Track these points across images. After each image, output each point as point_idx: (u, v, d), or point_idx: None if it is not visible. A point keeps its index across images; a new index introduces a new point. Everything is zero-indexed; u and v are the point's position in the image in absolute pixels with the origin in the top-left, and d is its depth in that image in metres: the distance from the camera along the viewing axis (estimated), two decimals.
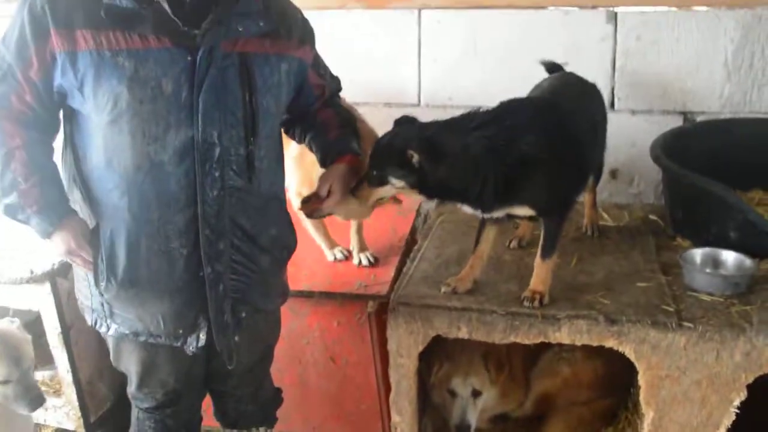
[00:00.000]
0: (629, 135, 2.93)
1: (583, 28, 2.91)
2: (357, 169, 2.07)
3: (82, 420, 2.88)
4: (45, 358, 2.85)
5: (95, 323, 1.99)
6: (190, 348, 1.95)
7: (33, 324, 2.79)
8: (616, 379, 2.75)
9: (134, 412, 2.21)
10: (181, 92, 1.70)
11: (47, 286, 2.63)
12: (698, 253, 2.30)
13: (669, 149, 2.58)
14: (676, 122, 2.94)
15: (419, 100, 3.18)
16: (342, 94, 2.22)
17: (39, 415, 2.91)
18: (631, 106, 2.99)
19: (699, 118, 2.93)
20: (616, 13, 2.89)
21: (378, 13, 3.13)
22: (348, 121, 2.15)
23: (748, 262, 2.21)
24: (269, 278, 2.04)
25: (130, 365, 2.07)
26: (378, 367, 2.60)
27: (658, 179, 2.76)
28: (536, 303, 2.12)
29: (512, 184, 1.99)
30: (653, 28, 2.84)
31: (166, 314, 1.89)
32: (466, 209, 2.07)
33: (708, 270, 2.24)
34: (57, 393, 2.91)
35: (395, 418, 2.34)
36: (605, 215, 2.82)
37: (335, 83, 2.18)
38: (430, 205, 3.05)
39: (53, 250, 1.84)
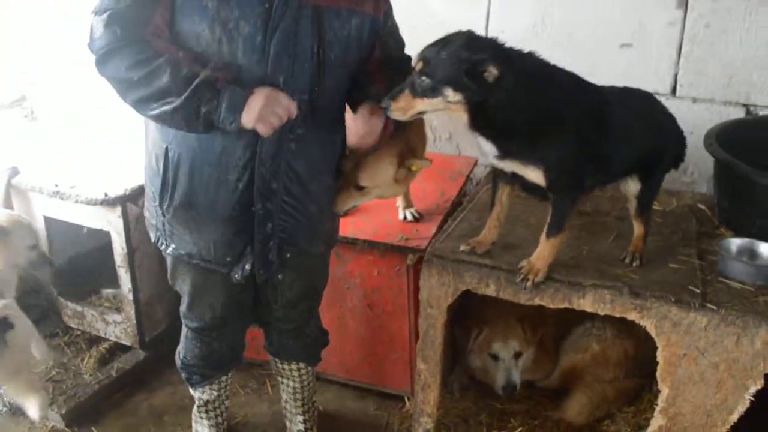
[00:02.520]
0: (688, 122, 2.89)
1: (652, 11, 2.89)
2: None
3: (137, 338, 3.12)
4: (111, 278, 3.12)
5: (157, 241, 2.16)
6: (236, 276, 2.09)
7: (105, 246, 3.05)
8: (645, 361, 2.78)
9: (183, 331, 2.39)
10: (256, 35, 1.80)
11: (118, 210, 2.86)
12: (735, 242, 2.30)
13: (724, 139, 2.56)
14: (738, 114, 2.91)
15: None
16: None
17: (100, 328, 3.19)
18: (693, 94, 2.97)
19: (761, 112, 2.89)
20: None
21: None
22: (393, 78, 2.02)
23: None
24: (316, 224, 2.15)
25: (183, 285, 2.24)
26: (412, 318, 2.72)
27: (712, 170, 2.74)
28: (530, 279, 2.11)
29: (538, 139, 1.91)
30: (724, 16, 2.80)
31: (217, 241, 2.04)
32: (483, 145, 1.95)
33: (743, 259, 2.24)
34: (118, 310, 3.16)
35: (420, 365, 2.45)
36: None
37: (391, 50, 2.11)
38: (482, 172, 3.13)
39: (252, 111, 1.76)
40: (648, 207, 2.29)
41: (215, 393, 2.50)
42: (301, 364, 2.55)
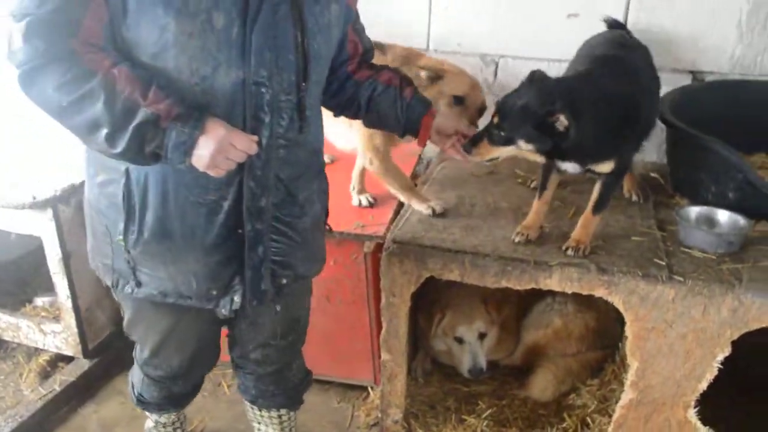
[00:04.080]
0: None
1: None
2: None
3: (80, 346, 2.94)
4: (45, 285, 2.92)
5: (116, 284, 1.82)
6: (223, 311, 1.83)
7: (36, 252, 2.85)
8: (606, 333, 2.81)
9: (139, 374, 2.13)
10: (232, 27, 1.53)
11: (49, 213, 2.67)
12: (694, 211, 2.30)
13: (675, 107, 2.55)
14: (685, 81, 2.90)
15: (428, 45, 3.14)
16: None
17: (38, 339, 2.99)
18: None
19: (708, 79, 2.90)
20: None
21: None
22: (407, 77, 2.02)
23: (742, 221, 2.21)
24: (310, 241, 1.91)
25: (149, 331, 1.96)
26: (372, 307, 2.64)
27: (663, 138, 2.74)
28: (581, 252, 2.13)
29: (607, 146, 2.03)
30: None
31: (199, 273, 1.76)
32: (562, 165, 2.06)
33: (703, 228, 2.24)
34: (56, 319, 2.97)
35: (385, 356, 2.38)
36: None
37: (370, 45, 2.02)
38: (433, 152, 3.05)
39: (201, 157, 1.51)
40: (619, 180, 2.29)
41: (173, 416, 2.34)
42: (282, 411, 2.31)
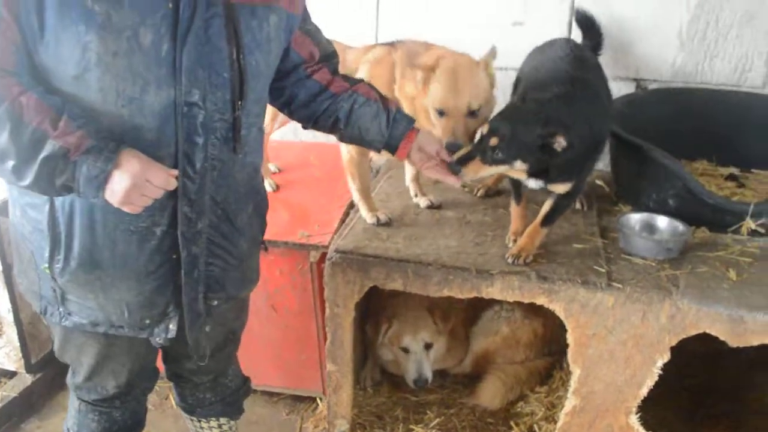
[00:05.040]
0: None
1: None
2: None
3: (23, 361, 2.88)
4: None
5: (44, 311, 1.74)
6: (157, 340, 1.77)
7: None
8: (553, 340, 2.83)
9: (74, 403, 2.00)
10: (161, 45, 1.45)
11: None
12: (634, 218, 2.33)
13: (618, 115, 2.58)
14: (629, 89, 2.95)
15: None
16: None
17: None
18: None
19: (651, 86, 2.94)
20: None
21: None
22: (384, 95, 1.95)
23: (681, 227, 2.24)
24: (245, 262, 1.86)
25: (80, 357, 1.86)
26: (319, 317, 2.63)
27: (608, 146, 2.77)
28: (522, 260, 2.13)
29: (574, 167, 2.07)
30: None
31: (132, 302, 1.68)
32: (528, 182, 2.07)
33: (643, 234, 2.27)
34: None
35: (330, 366, 2.36)
36: None
37: (332, 47, 1.94)
38: (381, 161, 3.04)
39: (115, 193, 1.44)
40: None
41: None
42: (222, 420, 2.25)
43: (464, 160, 1.93)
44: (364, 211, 2.44)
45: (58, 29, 1.39)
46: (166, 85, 1.48)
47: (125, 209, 1.48)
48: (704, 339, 2.02)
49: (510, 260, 2.14)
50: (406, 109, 2.12)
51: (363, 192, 2.44)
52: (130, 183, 1.43)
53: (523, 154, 1.94)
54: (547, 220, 2.19)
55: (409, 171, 2.61)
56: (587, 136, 2.03)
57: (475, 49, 2.14)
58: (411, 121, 1.92)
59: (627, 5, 2.82)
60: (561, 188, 2.13)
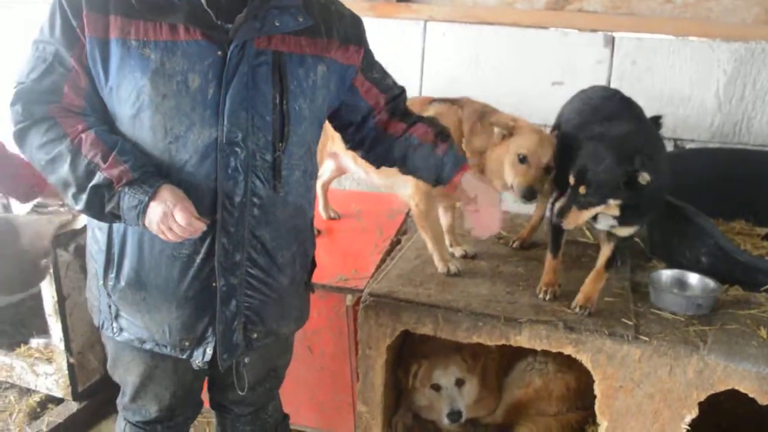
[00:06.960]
0: None
1: (580, 49, 2.99)
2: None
3: (70, 389, 2.97)
4: (43, 327, 2.99)
5: (102, 325, 1.89)
6: (196, 362, 1.84)
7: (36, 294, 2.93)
8: (586, 394, 2.80)
9: (121, 425, 2.09)
10: (208, 89, 1.60)
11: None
12: (666, 274, 2.36)
13: None
14: (667, 148, 2.98)
15: None
16: None
17: (30, 380, 3.05)
18: None
19: (688, 146, 2.98)
20: (613, 38, 2.97)
21: (386, 22, 3.24)
22: (443, 129, 2.05)
23: (712, 284, 2.26)
24: (286, 299, 1.91)
25: (127, 375, 1.96)
26: (353, 359, 2.67)
27: None
28: (587, 309, 2.21)
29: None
30: (649, 54, 2.91)
31: (173, 324, 1.79)
32: (605, 220, 2.16)
33: (674, 290, 2.29)
34: (49, 360, 3.01)
35: (361, 407, 2.42)
36: (588, 233, 2.89)
37: (398, 90, 2.04)
38: None
39: (151, 222, 1.59)
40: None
41: None
42: None
43: (563, 212, 2.09)
44: (437, 260, 2.53)
45: (120, 76, 1.59)
46: (209, 125, 1.63)
47: (162, 237, 1.61)
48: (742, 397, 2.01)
49: (578, 311, 2.20)
50: (474, 162, 2.29)
51: (436, 241, 2.55)
52: (161, 215, 1.57)
53: (612, 194, 2.04)
54: (610, 264, 2.27)
55: (444, 221, 2.70)
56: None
57: (517, 106, 2.24)
58: (459, 162, 2.02)
59: (665, 67, 2.90)
60: (626, 231, 2.21)
